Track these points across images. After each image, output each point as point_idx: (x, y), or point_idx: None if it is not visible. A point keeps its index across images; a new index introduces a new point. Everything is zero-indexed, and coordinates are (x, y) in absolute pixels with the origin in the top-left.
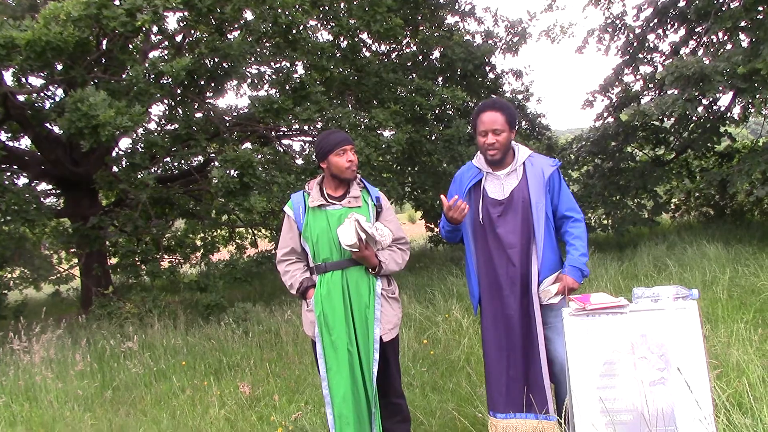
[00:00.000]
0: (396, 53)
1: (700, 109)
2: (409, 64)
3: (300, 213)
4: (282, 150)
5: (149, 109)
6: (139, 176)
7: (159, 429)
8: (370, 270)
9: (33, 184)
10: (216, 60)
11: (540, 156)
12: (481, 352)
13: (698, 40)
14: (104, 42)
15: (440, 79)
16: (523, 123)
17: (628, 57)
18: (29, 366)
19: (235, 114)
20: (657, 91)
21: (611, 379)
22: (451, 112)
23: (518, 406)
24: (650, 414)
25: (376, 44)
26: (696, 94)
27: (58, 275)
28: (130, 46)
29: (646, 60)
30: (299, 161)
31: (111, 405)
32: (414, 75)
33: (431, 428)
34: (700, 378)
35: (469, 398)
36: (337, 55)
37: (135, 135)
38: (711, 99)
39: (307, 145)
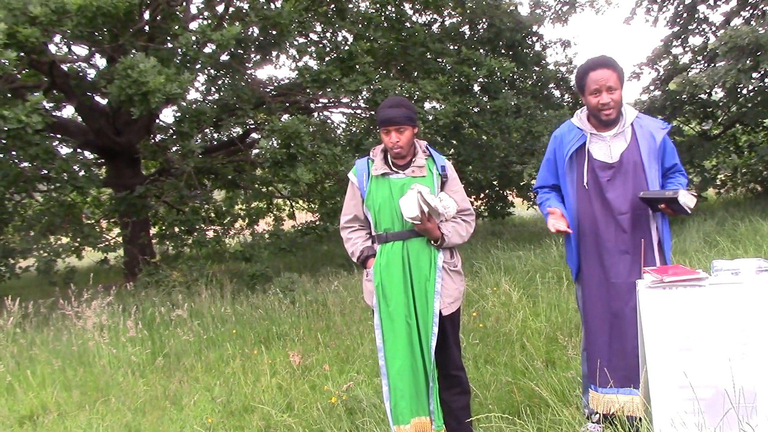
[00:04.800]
0: (438, 23)
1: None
2: (453, 35)
3: (363, 180)
4: (322, 121)
5: (196, 78)
6: (186, 145)
7: (212, 396)
8: (432, 242)
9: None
10: (264, 28)
11: (647, 117)
12: (536, 326)
13: (751, 10)
14: (146, 12)
15: (482, 50)
16: (566, 96)
17: (677, 28)
18: (81, 331)
19: (275, 84)
20: (707, 64)
21: (689, 354)
22: (498, 83)
23: (623, 380)
24: (731, 390)
25: (417, 15)
26: (750, 64)
27: (107, 243)
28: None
29: (696, 31)
30: (339, 131)
31: (163, 371)
32: (459, 46)
33: (486, 401)
34: None
35: (525, 371)
36: (384, 25)
37: (183, 103)
38: (762, 71)
39: (345, 117)
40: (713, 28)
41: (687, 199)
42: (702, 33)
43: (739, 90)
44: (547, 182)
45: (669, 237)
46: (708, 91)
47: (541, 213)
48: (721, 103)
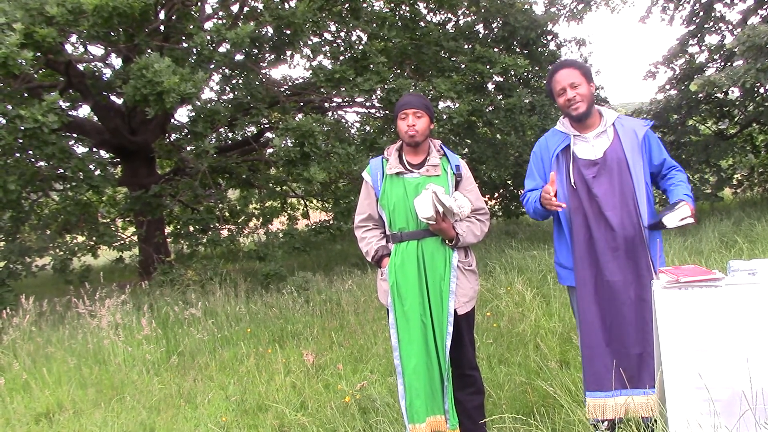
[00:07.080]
0: (453, 22)
1: None
2: (467, 33)
3: (378, 179)
4: (336, 120)
5: (211, 77)
6: (200, 145)
7: (226, 394)
8: (447, 242)
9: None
10: (279, 28)
11: (629, 118)
12: (550, 327)
13: None
14: (161, 12)
15: (497, 49)
16: None
17: (694, 27)
18: (96, 330)
19: (290, 84)
20: (723, 62)
21: (705, 354)
22: (512, 81)
23: (625, 381)
24: (748, 391)
25: (432, 14)
26: None
27: (122, 242)
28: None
29: (713, 30)
30: (353, 131)
31: (177, 370)
32: (473, 44)
33: (499, 400)
34: None
35: (539, 372)
36: (398, 24)
37: (198, 103)
38: None
39: (359, 116)
40: (730, 27)
41: (677, 218)
42: (719, 32)
43: (756, 89)
44: (532, 187)
45: (658, 237)
46: (726, 90)
47: (533, 214)
48: (737, 102)
